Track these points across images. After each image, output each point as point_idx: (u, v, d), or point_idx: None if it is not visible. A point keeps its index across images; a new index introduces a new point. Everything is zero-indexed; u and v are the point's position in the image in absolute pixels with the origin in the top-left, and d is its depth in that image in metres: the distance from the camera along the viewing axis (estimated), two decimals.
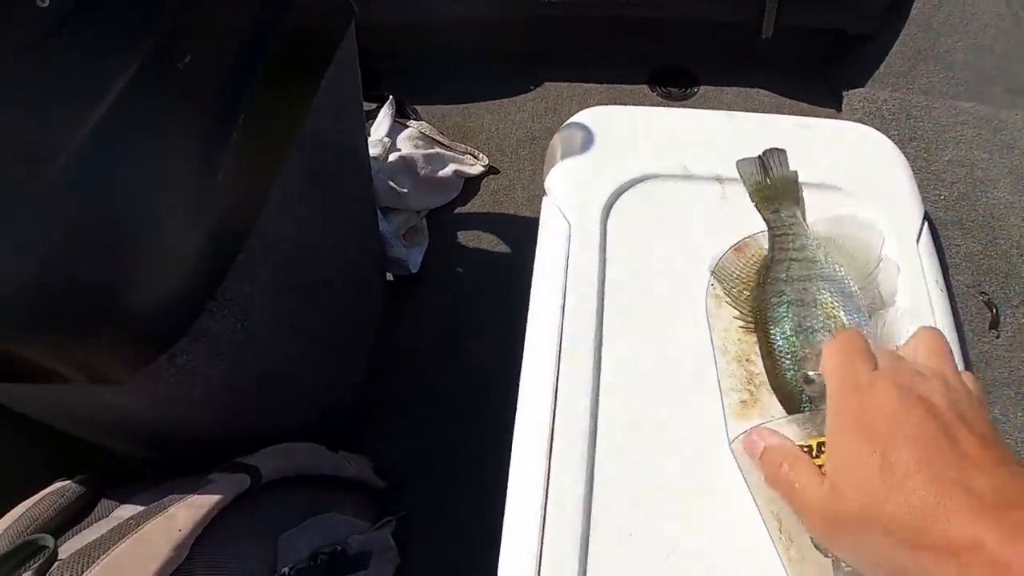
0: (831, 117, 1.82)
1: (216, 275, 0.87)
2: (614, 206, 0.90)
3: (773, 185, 0.90)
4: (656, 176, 0.92)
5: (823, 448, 0.62)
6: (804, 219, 0.87)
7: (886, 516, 0.51)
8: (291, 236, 1.07)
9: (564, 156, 0.95)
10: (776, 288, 0.78)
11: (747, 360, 0.78)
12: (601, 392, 0.76)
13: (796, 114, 2.08)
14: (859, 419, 0.56)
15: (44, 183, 0.67)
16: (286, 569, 1.04)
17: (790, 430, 0.66)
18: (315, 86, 1.02)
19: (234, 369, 1.05)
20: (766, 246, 0.86)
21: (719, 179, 0.92)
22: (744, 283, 0.83)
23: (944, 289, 0.85)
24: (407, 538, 1.41)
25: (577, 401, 0.75)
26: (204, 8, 0.83)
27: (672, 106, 2.19)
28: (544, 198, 0.92)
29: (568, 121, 1.00)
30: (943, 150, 1.49)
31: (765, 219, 0.88)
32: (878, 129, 1.02)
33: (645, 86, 2.28)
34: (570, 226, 0.87)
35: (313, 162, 1.09)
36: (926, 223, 0.91)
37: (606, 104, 1.00)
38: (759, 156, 0.93)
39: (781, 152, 0.93)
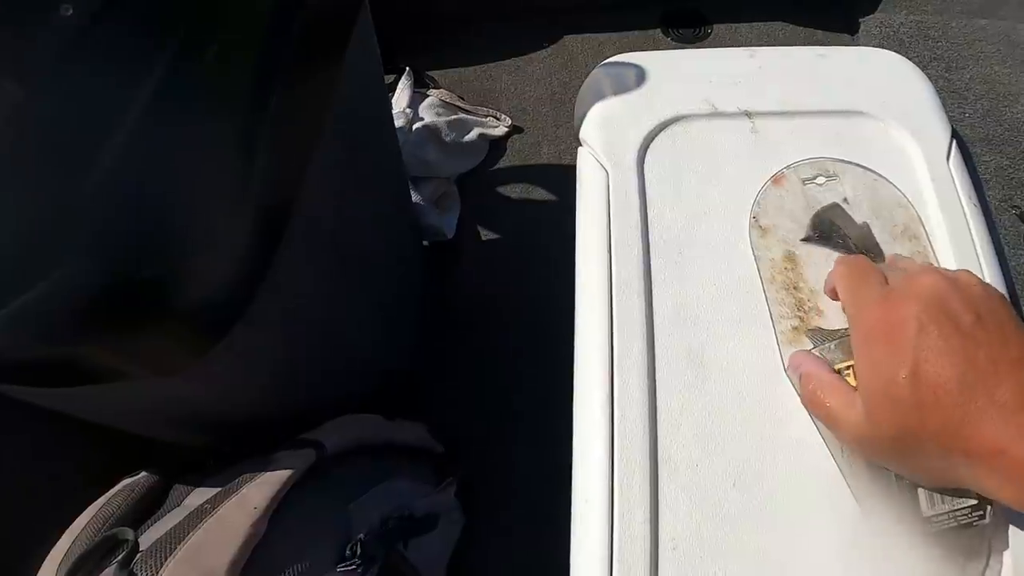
0: (848, 45, 1.82)
1: (265, 257, 0.88)
2: (648, 149, 0.91)
3: (872, 237, 0.84)
4: (686, 116, 0.93)
5: None
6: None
7: (921, 430, 0.54)
8: (331, 212, 1.09)
9: (593, 106, 0.96)
10: None
11: (794, 288, 0.79)
12: (656, 330, 0.78)
13: (814, 44, 2.09)
14: (884, 335, 0.58)
15: (95, 183, 0.69)
16: (361, 535, 1.06)
17: (832, 354, 0.69)
18: (339, 65, 1.03)
19: (288, 347, 1.07)
20: (804, 176, 0.88)
21: (747, 113, 0.93)
22: (788, 216, 0.84)
23: (978, 204, 0.86)
24: (470, 498, 1.44)
25: (633, 342, 0.76)
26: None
27: (687, 49, 2.20)
28: (579, 149, 0.93)
29: (593, 72, 1.01)
30: (964, 68, 1.49)
31: None
32: (897, 52, 1.03)
33: (658, 31, 2.28)
34: (607, 174, 0.89)
35: (344, 139, 1.10)
36: (954, 141, 0.92)
37: (620, 53, 1.01)
38: (846, 201, 0.87)
39: (836, 211, 0.87)
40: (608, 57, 1.01)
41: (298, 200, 0.93)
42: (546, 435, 0.81)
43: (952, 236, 0.83)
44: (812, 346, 0.74)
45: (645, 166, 0.90)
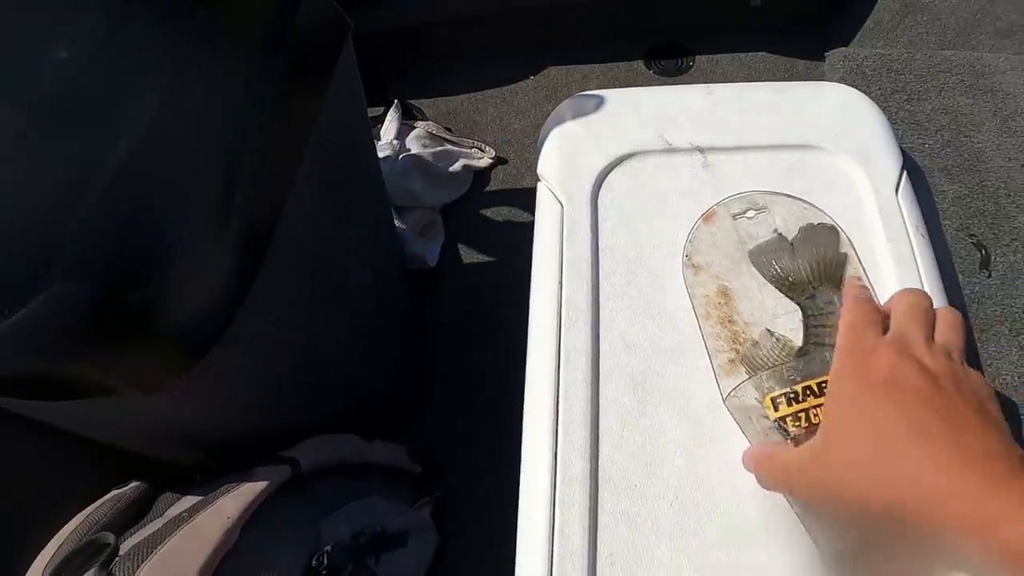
0: (826, 74, 1.85)
1: (245, 280, 0.91)
2: (603, 184, 0.94)
3: (808, 269, 0.83)
4: (640, 152, 0.97)
5: (808, 391, 0.67)
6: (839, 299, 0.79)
7: (875, 466, 0.54)
8: (313, 238, 1.12)
9: (552, 143, 1.00)
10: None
11: (729, 321, 0.82)
12: (601, 358, 0.82)
13: (792, 75, 2.13)
14: (859, 379, 0.59)
15: (86, 206, 0.72)
16: (328, 547, 1.10)
17: (767, 383, 0.71)
18: (321, 97, 1.06)
19: (268, 369, 1.10)
20: (735, 211, 0.90)
21: (700, 149, 0.97)
22: (721, 252, 0.87)
23: (925, 235, 0.89)
24: (444, 519, 1.47)
25: (578, 368, 0.80)
26: (216, 31, 0.89)
27: (668, 81, 2.23)
28: (538, 183, 0.97)
29: (556, 109, 1.04)
30: (926, 99, 1.51)
31: (797, 304, 0.82)
32: (861, 86, 1.06)
33: (641, 63, 2.32)
34: (562, 207, 0.92)
35: (325, 168, 1.13)
36: (905, 173, 0.95)
37: (604, 86, 1.04)
38: (778, 235, 0.88)
39: (820, 228, 0.88)
40: (592, 88, 1.04)
41: (279, 224, 0.96)
42: (518, 460, 0.84)
43: (897, 268, 0.86)
44: (747, 376, 0.77)
45: (599, 200, 0.93)
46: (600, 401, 0.79)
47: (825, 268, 0.82)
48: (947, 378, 0.56)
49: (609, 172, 0.96)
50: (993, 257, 1.31)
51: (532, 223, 0.94)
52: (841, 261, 0.84)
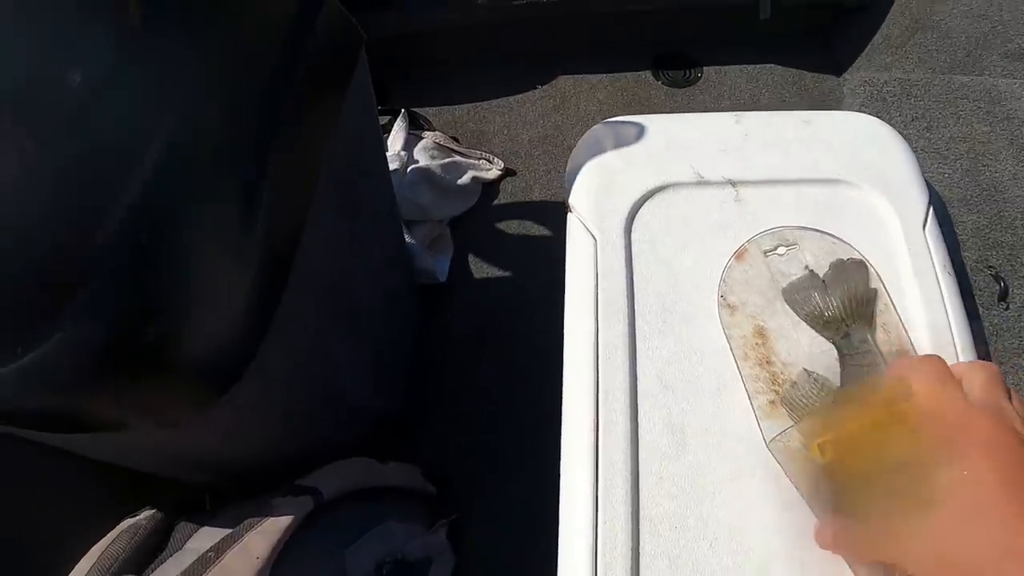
0: (834, 88, 1.85)
1: (267, 312, 0.89)
2: (636, 217, 0.94)
3: (841, 306, 0.83)
4: (672, 185, 0.96)
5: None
6: (875, 339, 0.80)
7: (977, 532, 0.52)
8: (329, 263, 1.10)
9: (584, 174, 0.99)
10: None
11: (767, 362, 0.82)
12: (640, 397, 0.81)
13: (800, 87, 2.12)
14: (952, 436, 0.56)
15: (102, 239, 0.69)
16: None
17: (808, 428, 0.71)
18: (337, 113, 1.04)
19: (287, 397, 1.08)
20: (766, 248, 0.90)
21: (732, 182, 0.96)
22: (755, 290, 0.87)
23: (952, 273, 0.88)
24: (461, 539, 1.45)
25: (616, 409, 0.79)
26: (235, 44, 0.86)
27: (676, 93, 2.23)
28: (568, 215, 0.96)
29: (583, 137, 1.04)
30: (944, 127, 1.51)
31: (832, 343, 0.82)
32: (880, 112, 1.05)
33: (649, 73, 2.32)
34: (595, 241, 0.91)
35: (341, 187, 1.11)
36: (931, 208, 0.94)
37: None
38: (809, 272, 0.88)
39: (850, 265, 0.88)
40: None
41: (298, 253, 0.94)
42: (535, 476, 0.84)
43: (925, 304, 0.85)
44: (788, 417, 0.77)
45: (632, 234, 0.93)
46: (640, 441, 0.79)
47: (857, 305, 0.82)
48: None
49: (642, 205, 0.95)
50: (1012, 289, 1.31)
51: (542, 235, 0.93)
52: (872, 297, 0.84)
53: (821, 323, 0.82)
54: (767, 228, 0.92)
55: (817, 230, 0.91)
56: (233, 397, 0.87)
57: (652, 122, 1.05)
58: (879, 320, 0.83)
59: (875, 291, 0.84)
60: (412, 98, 2.23)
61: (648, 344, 0.85)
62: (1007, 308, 1.29)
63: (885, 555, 0.60)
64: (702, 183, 0.97)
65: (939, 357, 0.64)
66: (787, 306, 0.85)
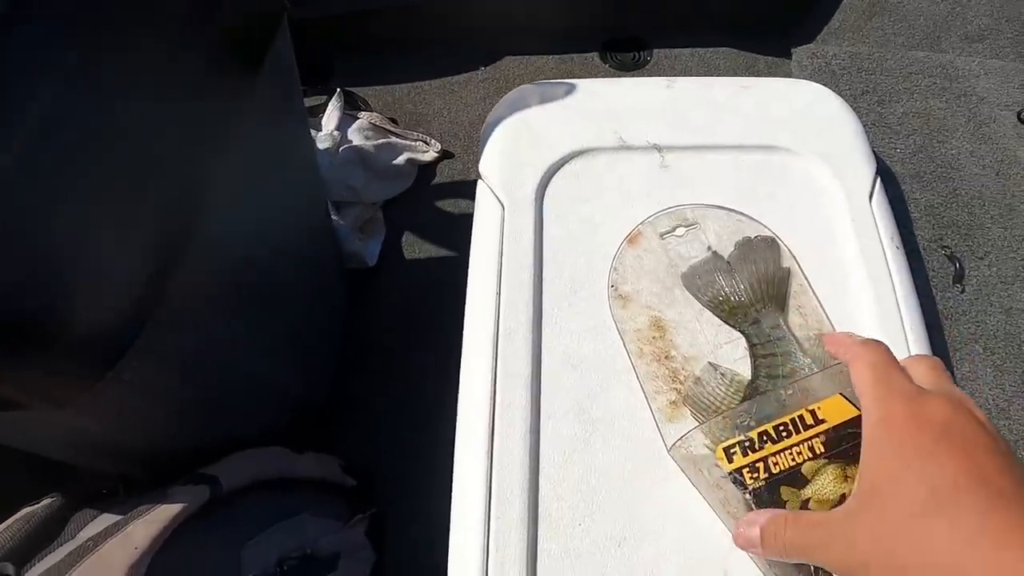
0: (789, 75, 1.79)
1: (155, 287, 0.84)
2: (549, 184, 0.87)
3: (748, 289, 0.76)
4: (591, 150, 0.90)
5: (765, 437, 0.61)
6: (788, 324, 0.74)
7: (943, 519, 0.48)
8: (236, 238, 1.05)
9: (496, 137, 0.93)
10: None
11: (666, 357, 0.74)
12: (543, 381, 0.74)
13: (754, 72, 2.08)
14: (909, 427, 0.53)
15: None
16: None
17: (718, 432, 0.64)
18: (250, 83, 1.00)
19: (190, 378, 1.03)
20: (663, 229, 0.82)
21: (657, 147, 0.90)
22: (650, 277, 0.79)
23: (900, 247, 0.83)
24: (382, 535, 1.40)
25: (516, 392, 0.73)
26: (131, 14, 0.79)
27: (624, 75, 2.17)
28: (478, 182, 0.90)
29: (500, 101, 0.97)
30: (897, 102, 1.46)
31: (740, 331, 0.75)
32: (830, 85, 0.99)
33: (597, 56, 2.25)
34: (503, 209, 0.85)
35: (251, 163, 1.06)
36: (879, 179, 0.89)
37: (558, 78, 0.97)
38: (712, 253, 0.80)
39: (759, 243, 0.80)
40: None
41: (195, 228, 0.89)
42: None
43: (872, 283, 0.79)
44: (692, 421, 0.70)
45: (545, 202, 0.86)
46: (541, 428, 0.72)
47: (767, 286, 0.75)
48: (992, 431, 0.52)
49: (556, 171, 0.88)
50: (967, 271, 1.25)
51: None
52: (784, 276, 0.77)
53: (727, 309, 0.76)
54: (697, 196, 0.85)
55: (720, 207, 0.84)
56: (120, 374, 0.81)
57: (576, 86, 0.98)
58: (794, 303, 0.76)
59: (788, 270, 0.77)
60: (355, 77, 2.18)
61: (556, 320, 0.78)
62: (962, 291, 1.24)
63: (825, 555, 0.54)
64: (624, 148, 0.90)
65: (881, 342, 0.61)
66: (688, 293, 0.77)
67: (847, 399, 0.62)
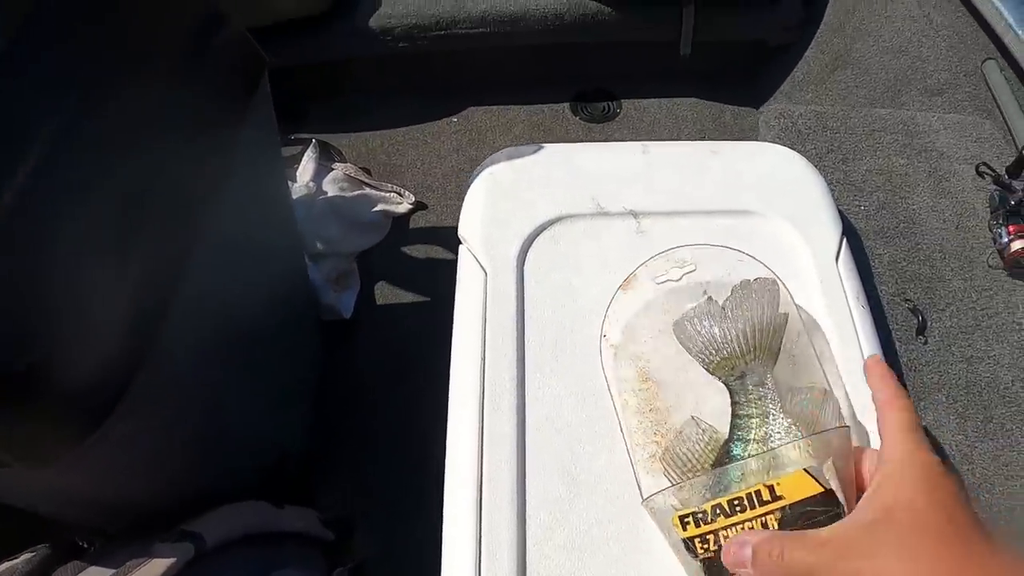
0: (756, 124, 1.83)
1: (143, 344, 0.84)
2: (530, 250, 0.89)
3: (740, 339, 0.72)
4: (570, 216, 0.92)
5: (718, 511, 0.61)
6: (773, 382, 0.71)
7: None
8: (217, 294, 1.06)
9: (477, 202, 0.95)
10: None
11: (650, 409, 0.75)
12: (527, 443, 0.76)
13: (720, 123, 2.11)
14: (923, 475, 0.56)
15: None
16: None
17: (693, 493, 0.64)
18: (232, 137, 1.01)
19: (172, 434, 1.04)
20: (659, 276, 0.82)
21: (633, 213, 0.92)
22: (642, 324, 0.80)
23: (865, 305, 0.85)
24: None
25: (503, 454, 0.74)
26: (126, 50, 0.82)
27: (594, 128, 2.20)
28: (460, 247, 0.91)
29: (481, 165, 0.99)
30: (861, 159, 1.50)
31: (724, 384, 0.73)
32: (795, 144, 1.03)
33: (567, 107, 2.28)
34: (486, 274, 0.87)
35: (232, 218, 1.07)
36: (844, 239, 0.91)
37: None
38: (707, 298, 0.75)
39: (757, 286, 0.75)
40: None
41: (179, 284, 0.90)
42: (437, 523, 0.79)
43: (839, 338, 0.82)
44: (669, 483, 0.69)
45: (525, 267, 0.88)
46: (527, 490, 0.73)
47: (760, 335, 0.72)
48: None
49: (536, 236, 0.90)
50: (929, 323, 1.28)
51: (451, 272, 0.89)
52: (780, 324, 0.73)
53: (716, 361, 0.73)
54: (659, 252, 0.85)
55: (720, 246, 0.85)
56: (106, 432, 0.82)
57: (554, 151, 1.01)
58: (792, 350, 0.74)
59: (785, 316, 0.74)
60: (329, 126, 2.20)
61: (538, 384, 0.80)
62: (925, 342, 1.27)
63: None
64: (602, 214, 0.92)
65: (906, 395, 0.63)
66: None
67: (810, 475, 0.60)
